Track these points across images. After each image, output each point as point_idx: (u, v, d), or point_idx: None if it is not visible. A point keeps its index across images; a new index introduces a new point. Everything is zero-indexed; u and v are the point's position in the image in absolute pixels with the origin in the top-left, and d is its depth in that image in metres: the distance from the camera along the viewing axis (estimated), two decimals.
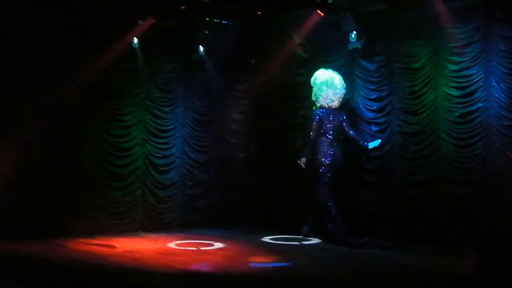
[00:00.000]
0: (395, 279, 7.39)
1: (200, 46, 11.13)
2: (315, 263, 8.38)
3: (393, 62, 10.20)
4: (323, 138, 10.04)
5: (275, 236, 10.22)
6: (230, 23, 11.23)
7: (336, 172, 10.08)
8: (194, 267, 7.96)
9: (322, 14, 10.11)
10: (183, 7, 10.59)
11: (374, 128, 10.40)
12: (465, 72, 9.37)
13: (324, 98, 10.13)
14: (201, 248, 9.18)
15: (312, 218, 10.26)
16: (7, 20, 9.29)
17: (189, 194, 11.46)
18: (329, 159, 9.97)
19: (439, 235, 9.35)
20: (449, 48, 9.48)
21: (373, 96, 10.46)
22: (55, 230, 9.75)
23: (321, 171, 9.96)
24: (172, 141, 11.28)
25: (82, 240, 9.50)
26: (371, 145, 10.08)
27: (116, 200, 10.63)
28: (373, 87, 10.44)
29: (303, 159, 10.06)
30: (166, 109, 11.20)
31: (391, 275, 7.60)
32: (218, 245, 9.45)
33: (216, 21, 11.08)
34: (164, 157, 11.17)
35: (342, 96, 10.22)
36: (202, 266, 8.07)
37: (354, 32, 10.10)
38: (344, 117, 10.19)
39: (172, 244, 9.47)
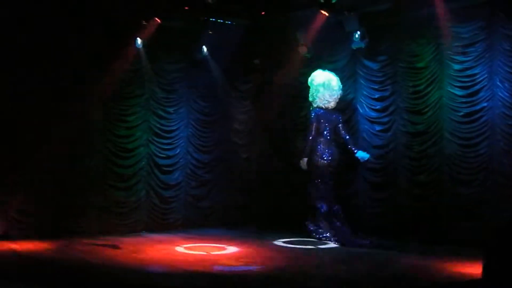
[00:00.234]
0: (398, 280, 7.36)
1: (204, 46, 11.13)
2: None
3: (397, 62, 10.18)
4: (320, 138, 10.10)
5: (287, 239, 10.02)
6: (234, 23, 11.22)
7: (335, 171, 10.09)
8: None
9: (327, 14, 10.11)
10: (186, 8, 10.60)
11: (377, 128, 10.40)
12: (469, 72, 9.35)
13: (321, 99, 10.21)
14: (212, 253, 8.93)
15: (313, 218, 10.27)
16: (6, 20, 9.29)
17: (193, 195, 11.46)
18: (326, 159, 10.00)
19: (443, 235, 9.33)
20: (452, 47, 9.45)
21: (377, 96, 10.45)
22: (60, 230, 9.77)
23: (317, 172, 9.98)
24: (176, 141, 11.29)
25: (86, 240, 9.52)
26: (359, 154, 10.08)
27: (120, 201, 10.64)
28: (377, 87, 10.44)
29: (305, 159, 10.09)
30: (170, 110, 11.21)
31: (394, 275, 7.58)
32: (232, 249, 9.22)
33: (220, 22, 11.07)
34: (168, 157, 11.18)
35: (339, 97, 10.29)
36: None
37: (358, 32, 10.10)
38: (340, 119, 10.26)
39: (181, 248, 9.19)
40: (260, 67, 12.01)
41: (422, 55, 9.85)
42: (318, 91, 10.22)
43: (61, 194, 9.94)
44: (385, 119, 10.33)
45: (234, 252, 8.98)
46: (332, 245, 9.63)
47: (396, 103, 10.21)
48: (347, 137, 10.22)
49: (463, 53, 9.33)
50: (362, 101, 10.59)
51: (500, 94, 9.03)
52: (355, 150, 10.12)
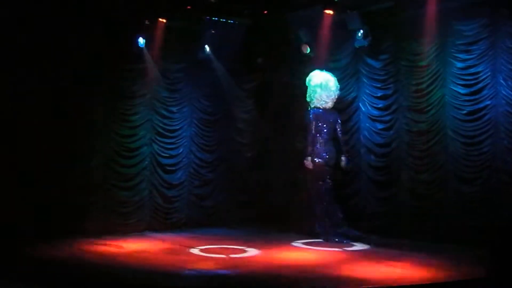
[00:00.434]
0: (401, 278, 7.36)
1: (207, 45, 11.13)
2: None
3: (399, 60, 10.16)
4: (318, 138, 10.11)
5: (304, 241, 9.87)
6: (237, 22, 11.22)
7: (332, 170, 10.10)
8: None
9: (331, 13, 10.11)
10: (189, 7, 10.60)
11: (379, 126, 10.39)
12: (472, 70, 9.32)
13: (318, 99, 10.26)
14: (231, 256, 8.69)
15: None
16: (6, 20, 9.31)
17: (196, 194, 11.47)
18: (324, 158, 10.02)
19: (447, 233, 9.30)
20: (456, 45, 9.43)
21: (379, 94, 10.44)
22: (63, 230, 9.76)
23: (316, 171, 10.01)
24: (179, 141, 11.30)
25: (89, 240, 9.53)
26: (343, 160, 10.11)
27: (124, 200, 10.66)
28: (379, 85, 10.43)
29: (309, 158, 10.10)
30: (173, 109, 11.23)
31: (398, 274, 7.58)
32: (252, 251, 9.03)
33: (223, 21, 11.08)
34: (171, 156, 11.19)
35: (336, 97, 10.31)
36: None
37: (361, 30, 10.08)
38: (339, 120, 10.27)
39: (196, 250, 9.04)
40: (261, 67, 12.00)
41: (425, 53, 9.80)
42: (315, 92, 10.27)
43: (65, 194, 9.93)
44: (388, 118, 10.32)
45: (255, 255, 8.74)
46: (360, 246, 9.49)
47: (398, 101, 10.19)
48: (342, 139, 10.25)
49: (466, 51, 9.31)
50: (365, 99, 10.59)
51: (504, 92, 8.99)
52: (343, 154, 10.15)
